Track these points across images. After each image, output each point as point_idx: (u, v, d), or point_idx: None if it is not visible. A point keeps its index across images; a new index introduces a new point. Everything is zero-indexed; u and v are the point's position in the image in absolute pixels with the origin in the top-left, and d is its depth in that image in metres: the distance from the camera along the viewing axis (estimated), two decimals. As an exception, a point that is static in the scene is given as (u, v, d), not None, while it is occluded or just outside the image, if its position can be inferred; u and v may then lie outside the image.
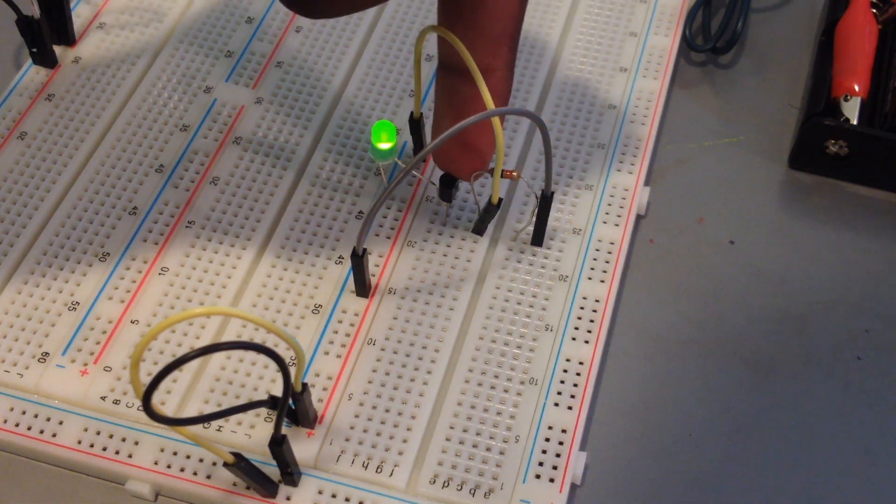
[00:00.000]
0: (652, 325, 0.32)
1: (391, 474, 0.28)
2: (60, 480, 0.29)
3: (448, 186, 0.32)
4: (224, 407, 0.25)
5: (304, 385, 0.27)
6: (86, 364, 0.30)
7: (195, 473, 0.28)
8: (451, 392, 0.29)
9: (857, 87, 0.34)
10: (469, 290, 0.31)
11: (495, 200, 0.31)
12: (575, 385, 0.30)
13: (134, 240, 0.32)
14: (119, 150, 0.35)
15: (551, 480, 0.28)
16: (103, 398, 0.29)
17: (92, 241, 0.32)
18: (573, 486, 0.28)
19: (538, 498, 0.28)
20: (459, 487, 0.28)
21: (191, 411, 0.29)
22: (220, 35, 0.38)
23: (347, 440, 0.28)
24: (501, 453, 0.28)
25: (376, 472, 0.28)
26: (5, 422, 0.29)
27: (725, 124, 0.37)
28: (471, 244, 0.32)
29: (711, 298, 0.32)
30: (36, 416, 0.29)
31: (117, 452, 0.28)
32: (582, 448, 0.29)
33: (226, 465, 0.26)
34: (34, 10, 0.35)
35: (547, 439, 0.29)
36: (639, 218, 0.34)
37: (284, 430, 0.26)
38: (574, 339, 0.31)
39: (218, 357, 0.30)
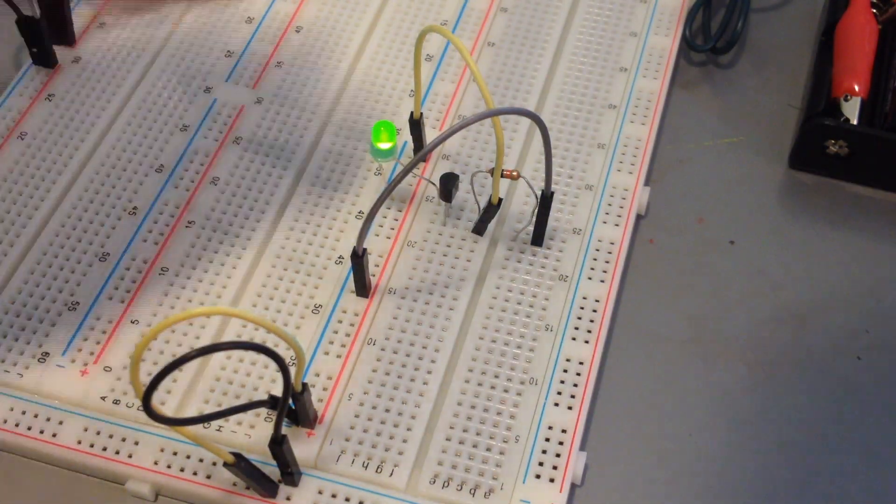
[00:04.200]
0: (652, 325, 0.32)
1: (391, 474, 0.28)
2: (60, 480, 0.29)
3: (448, 186, 0.32)
4: (224, 407, 0.25)
5: (304, 385, 0.27)
6: (86, 364, 0.30)
7: (195, 473, 0.28)
8: (451, 392, 0.29)
9: (857, 87, 0.34)
10: (469, 290, 0.31)
11: (495, 200, 0.31)
12: (575, 385, 0.30)
13: (134, 240, 0.32)
14: (119, 150, 0.35)
15: (551, 480, 0.28)
16: (103, 398, 0.29)
17: (92, 241, 0.32)
18: (573, 486, 0.28)
19: (538, 498, 0.28)
20: (459, 487, 0.28)
21: (191, 411, 0.29)
22: (220, 35, 0.38)
23: (347, 440, 0.28)
24: (501, 453, 0.28)
25: (376, 472, 0.28)
26: (5, 422, 0.29)
27: (725, 124, 0.37)
28: (471, 244, 0.32)
29: (711, 298, 0.32)
30: (36, 416, 0.29)
31: (117, 452, 0.28)
32: (582, 448, 0.29)
33: (226, 465, 0.26)
34: (34, 10, 0.35)
35: (547, 439, 0.29)
36: (639, 218, 0.34)
37: (284, 430, 0.26)
38: (574, 339, 0.31)
39: (218, 357, 0.30)
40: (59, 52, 0.37)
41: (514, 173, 0.30)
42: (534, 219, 0.32)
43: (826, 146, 0.34)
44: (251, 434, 0.29)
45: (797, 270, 0.33)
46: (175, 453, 0.28)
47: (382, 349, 0.30)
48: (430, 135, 0.34)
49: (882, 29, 0.36)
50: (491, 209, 0.31)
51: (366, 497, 0.28)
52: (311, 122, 0.35)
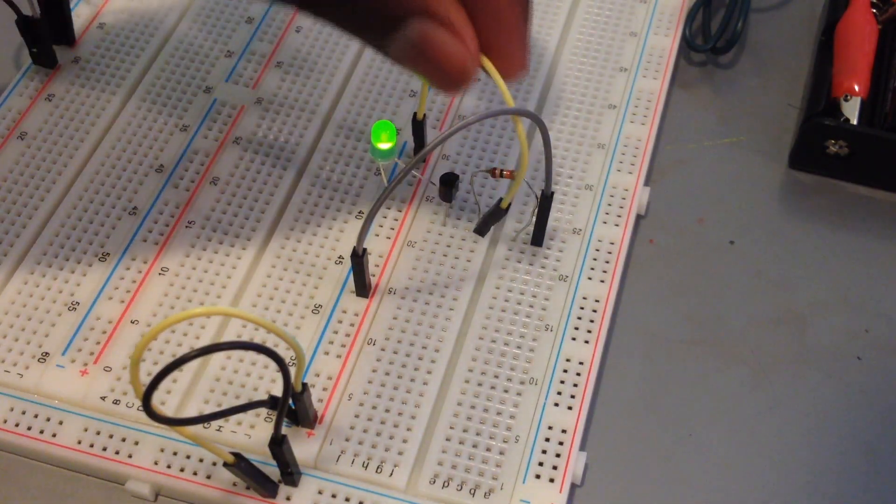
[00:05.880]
0: (652, 325, 0.32)
1: (391, 474, 0.28)
2: (60, 480, 0.29)
3: (448, 186, 0.32)
4: (224, 407, 0.25)
5: (304, 385, 0.27)
6: (86, 364, 0.30)
7: (195, 473, 0.28)
8: (451, 392, 0.29)
9: (857, 87, 0.34)
10: (469, 290, 0.31)
11: (505, 205, 0.31)
12: (575, 385, 0.30)
13: (134, 240, 0.32)
14: (119, 150, 0.35)
15: (551, 480, 0.28)
16: (103, 398, 0.29)
17: (92, 241, 0.32)
18: (573, 486, 0.28)
19: (538, 498, 0.28)
20: (459, 487, 0.28)
21: (191, 411, 0.29)
22: (220, 35, 0.38)
23: (347, 440, 0.28)
24: (501, 453, 0.28)
25: (376, 472, 0.28)
26: (5, 422, 0.29)
27: (725, 124, 0.37)
28: (471, 244, 0.32)
29: (711, 298, 0.32)
30: (36, 416, 0.29)
31: (117, 452, 0.28)
32: (582, 448, 0.29)
33: (226, 465, 0.26)
34: (34, 10, 0.35)
35: (547, 439, 0.29)
36: (639, 218, 0.34)
37: (284, 430, 0.26)
38: (574, 339, 0.31)
39: (218, 357, 0.30)
40: (59, 52, 0.37)
41: (515, 173, 0.30)
42: (534, 219, 0.32)
43: (826, 146, 0.34)
44: (251, 434, 0.29)
45: (797, 270, 0.33)
46: (175, 453, 0.28)
47: (382, 349, 0.30)
48: (429, 135, 0.34)
49: (882, 29, 0.36)
50: (498, 213, 0.31)
51: (366, 497, 0.28)
52: (311, 122, 0.35)
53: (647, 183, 0.35)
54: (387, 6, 0.24)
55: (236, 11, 0.39)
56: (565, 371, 0.30)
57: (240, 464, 0.26)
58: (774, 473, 0.29)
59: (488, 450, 0.28)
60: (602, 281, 0.32)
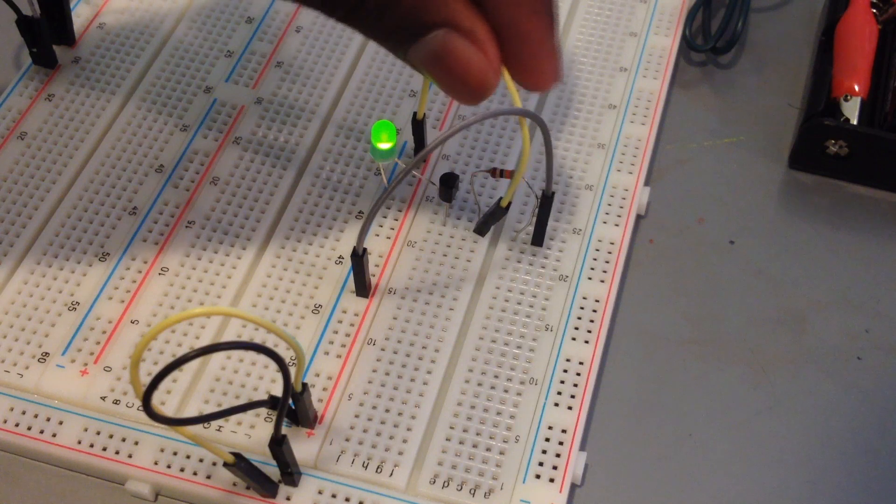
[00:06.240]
0: (652, 325, 0.32)
1: (391, 474, 0.28)
2: (60, 480, 0.29)
3: (448, 186, 0.32)
4: (224, 407, 0.25)
5: (304, 385, 0.27)
6: (86, 364, 0.30)
7: (195, 473, 0.28)
8: (451, 392, 0.29)
9: (857, 87, 0.34)
10: (469, 290, 0.31)
11: (505, 204, 0.31)
12: (575, 385, 0.30)
13: (134, 240, 0.32)
14: (119, 150, 0.35)
15: (551, 480, 0.28)
16: (103, 398, 0.29)
17: (92, 241, 0.32)
18: (573, 486, 0.28)
19: (538, 498, 0.28)
20: (459, 487, 0.28)
21: (191, 411, 0.29)
22: (220, 35, 0.38)
23: (347, 440, 0.28)
24: (501, 453, 0.28)
25: (376, 472, 0.28)
26: (5, 422, 0.29)
27: (725, 124, 0.37)
28: (471, 244, 0.32)
29: (711, 298, 0.32)
30: (36, 416, 0.29)
31: (117, 452, 0.28)
32: (582, 448, 0.29)
33: (226, 465, 0.26)
34: (34, 10, 0.35)
35: (547, 439, 0.29)
36: (639, 218, 0.34)
37: (284, 430, 0.26)
38: (574, 339, 0.31)
39: (218, 357, 0.30)
40: (59, 52, 0.37)
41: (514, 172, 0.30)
42: (534, 219, 0.32)
43: (826, 146, 0.34)
44: (251, 434, 0.29)
45: (797, 270, 0.33)
46: (175, 453, 0.28)
47: (382, 349, 0.30)
48: (429, 135, 0.34)
49: (882, 29, 0.36)
50: (498, 212, 0.31)
51: (366, 497, 0.28)
52: (311, 122, 0.35)
53: (647, 183, 0.35)
54: (412, 17, 0.24)
55: (236, 11, 0.39)
56: (565, 371, 0.30)
57: (240, 464, 0.26)
58: (774, 473, 0.29)
59: (488, 450, 0.28)
60: (602, 281, 0.32)
